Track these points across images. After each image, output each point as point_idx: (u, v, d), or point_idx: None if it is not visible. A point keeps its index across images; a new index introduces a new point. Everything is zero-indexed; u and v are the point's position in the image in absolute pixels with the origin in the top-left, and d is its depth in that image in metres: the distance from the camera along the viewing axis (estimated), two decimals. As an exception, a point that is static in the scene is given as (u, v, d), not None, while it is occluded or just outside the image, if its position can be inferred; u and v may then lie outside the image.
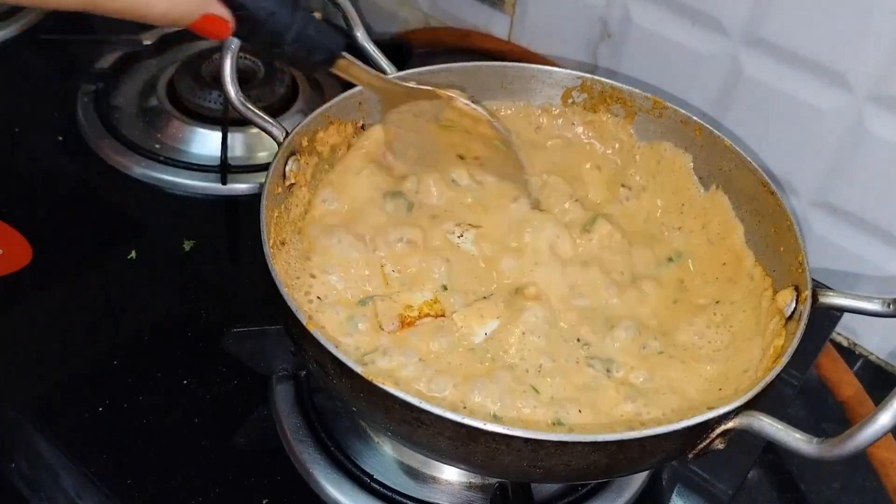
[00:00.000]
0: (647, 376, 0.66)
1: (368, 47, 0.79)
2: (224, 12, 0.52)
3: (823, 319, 0.86)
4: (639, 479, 0.72)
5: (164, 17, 0.50)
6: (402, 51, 1.10)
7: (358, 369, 0.52)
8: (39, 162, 0.99)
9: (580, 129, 0.84)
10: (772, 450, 0.79)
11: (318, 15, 0.60)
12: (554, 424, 0.61)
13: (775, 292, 0.68)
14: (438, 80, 0.80)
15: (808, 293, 0.63)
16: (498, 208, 0.76)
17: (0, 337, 0.79)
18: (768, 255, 0.72)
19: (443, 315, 0.68)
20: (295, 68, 0.60)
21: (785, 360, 0.58)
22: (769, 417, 0.53)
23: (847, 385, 0.86)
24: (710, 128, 0.77)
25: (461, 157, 0.77)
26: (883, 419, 0.47)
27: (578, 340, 0.68)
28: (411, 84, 0.73)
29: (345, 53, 0.63)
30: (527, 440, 0.51)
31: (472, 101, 0.73)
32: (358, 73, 0.67)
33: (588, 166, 0.83)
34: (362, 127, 0.78)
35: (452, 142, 0.76)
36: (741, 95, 0.90)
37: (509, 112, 0.84)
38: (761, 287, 0.71)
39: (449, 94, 0.73)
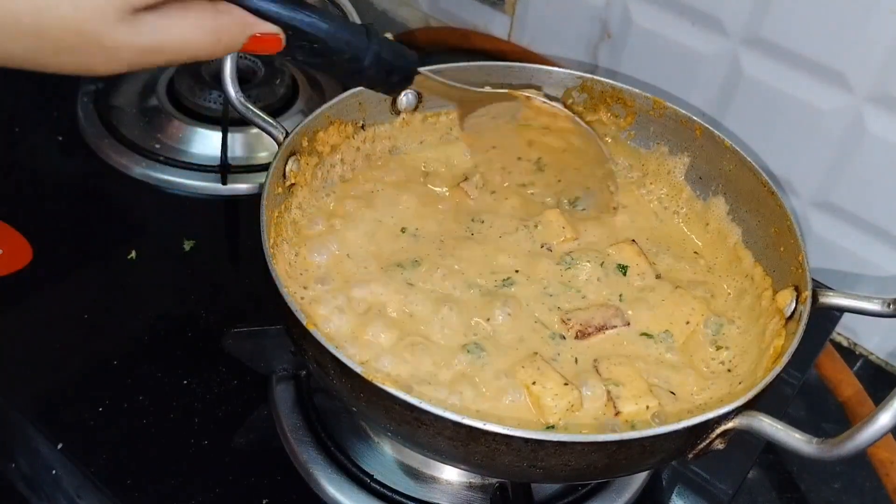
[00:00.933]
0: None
1: (369, 47, 0.78)
2: (271, 28, 0.51)
3: (823, 319, 0.86)
4: (639, 479, 0.72)
5: (213, 52, 0.48)
6: (402, 51, 1.10)
7: (358, 369, 0.52)
8: (39, 162, 0.99)
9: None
10: (772, 450, 0.79)
11: (389, 35, 0.60)
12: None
13: (775, 292, 0.68)
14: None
15: (808, 293, 0.63)
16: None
17: (0, 337, 0.79)
18: (768, 255, 0.72)
19: None
20: (374, 90, 0.61)
21: (785, 360, 0.58)
22: (769, 417, 0.53)
23: (847, 385, 0.86)
24: (711, 128, 0.77)
25: (530, 144, 0.78)
26: (883, 419, 0.47)
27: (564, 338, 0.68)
28: (487, 89, 0.75)
29: (420, 69, 0.63)
30: (527, 440, 0.51)
31: (550, 99, 0.75)
32: (434, 86, 0.68)
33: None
34: (362, 127, 0.78)
35: (528, 137, 0.78)
36: (741, 95, 0.90)
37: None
38: (761, 287, 0.71)
39: (525, 94, 0.75)
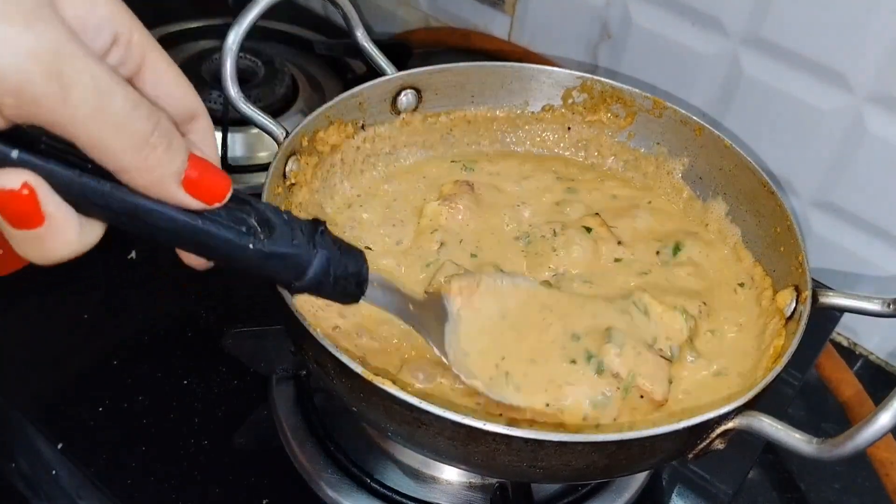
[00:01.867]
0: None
1: (368, 47, 0.78)
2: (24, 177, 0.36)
3: (823, 319, 0.86)
4: (639, 479, 0.72)
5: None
6: (402, 51, 1.10)
7: (358, 369, 0.52)
8: (39, 162, 0.99)
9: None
10: (772, 450, 0.79)
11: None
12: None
13: (775, 292, 0.68)
14: (439, 80, 0.80)
15: (808, 293, 0.63)
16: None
17: (0, 337, 0.79)
18: (768, 256, 0.72)
19: None
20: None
21: (785, 360, 0.58)
22: (769, 417, 0.53)
23: (847, 385, 0.86)
24: (710, 128, 0.77)
25: None
26: (883, 419, 0.47)
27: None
28: (418, 294, 0.65)
29: (370, 282, 0.53)
30: (527, 440, 0.51)
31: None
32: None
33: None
34: (362, 127, 0.78)
35: None
36: (741, 95, 0.90)
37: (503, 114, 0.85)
38: (761, 287, 0.71)
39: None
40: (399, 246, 0.73)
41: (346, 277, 0.50)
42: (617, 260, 0.73)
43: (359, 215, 0.76)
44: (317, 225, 0.48)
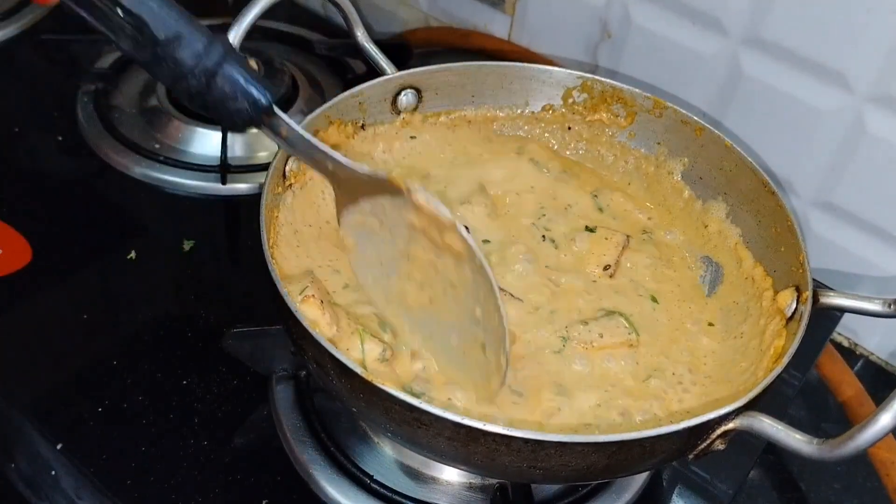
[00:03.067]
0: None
1: (369, 47, 0.78)
2: None
3: (824, 320, 0.86)
4: (639, 480, 0.72)
5: None
6: (402, 51, 1.10)
7: (358, 370, 0.52)
8: (39, 162, 0.99)
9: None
10: (772, 450, 0.79)
11: (252, 64, 0.49)
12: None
13: (776, 293, 0.68)
14: (439, 80, 0.80)
15: (808, 293, 0.63)
16: None
17: (0, 337, 0.79)
18: (769, 256, 0.72)
19: None
20: (214, 117, 0.49)
21: (785, 360, 0.58)
22: (769, 418, 0.53)
23: (847, 385, 0.85)
24: (711, 128, 0.77)
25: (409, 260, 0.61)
26: (883, 420, 0.47)
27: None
28: (364, 168, 0.59)
29: (277, 110, 0.50)
30: (527, 440, 0.51)
31: (433, 197, 0.57)
32: (296, 140, 0.54)
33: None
34: (362, 127, 0.78)
35: (418, 257, 0.60)
36: (741, 95, 0.90)
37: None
38: (761, 287, 0.71)
39: (408, 185, 0.57)
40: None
41: (240, 91, 0.48)
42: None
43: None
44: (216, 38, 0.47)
